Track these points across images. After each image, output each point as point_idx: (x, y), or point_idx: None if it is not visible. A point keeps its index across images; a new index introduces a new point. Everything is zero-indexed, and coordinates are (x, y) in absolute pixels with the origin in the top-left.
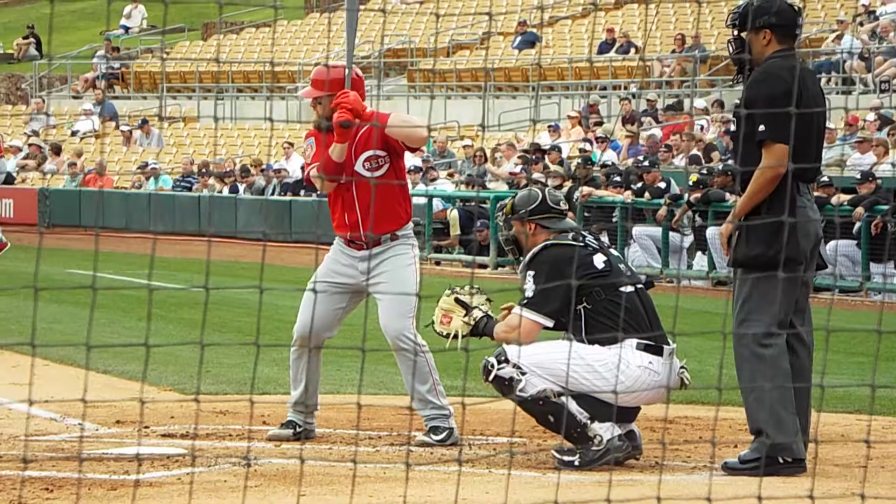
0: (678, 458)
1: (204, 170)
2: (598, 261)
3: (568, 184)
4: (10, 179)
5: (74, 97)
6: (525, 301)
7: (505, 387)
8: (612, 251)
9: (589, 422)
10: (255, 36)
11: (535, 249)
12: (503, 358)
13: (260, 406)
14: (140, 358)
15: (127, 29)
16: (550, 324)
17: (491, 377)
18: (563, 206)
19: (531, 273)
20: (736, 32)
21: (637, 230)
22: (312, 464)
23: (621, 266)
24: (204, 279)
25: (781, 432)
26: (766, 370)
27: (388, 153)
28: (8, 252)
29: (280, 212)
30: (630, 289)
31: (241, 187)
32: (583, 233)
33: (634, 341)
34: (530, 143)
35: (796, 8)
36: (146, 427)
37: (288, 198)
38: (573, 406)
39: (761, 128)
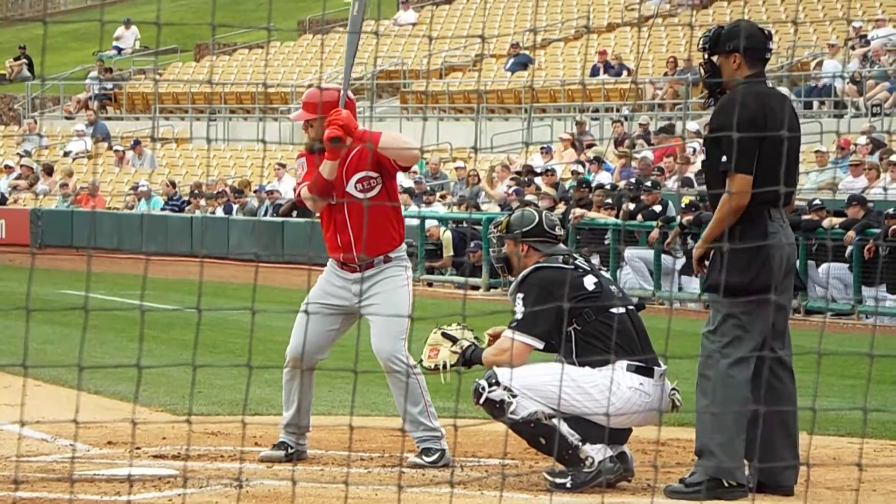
0: (670, 481)
1: (196, 191)
2: (589, 282)
3: (560, 206)
4: (1, 200)
5: (67, 118)
6: (515, 323)
7: (496, 409)
8: (603, 273)
9: (580, 444)
10: (247, 57)
11: (525, 272)
12: (494, 381)
13: (252, 427)
14: (131, 378)
15: (119, 50)
16: (540, 346)
17: (482, 400)
18: (559, 231)
19: (521, 295)
20: (707, 56)
21: (629, 252)
22: (304, 485)
23: (612, 288)
24: (196, 300)
25: (731, 456)
26: (730, 394)
27: (380, 174)
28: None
29: (272, 233)
30: (621, 310)
31: (234, 208)
32: (574, 255)
33: (625, 363)
34: (523, 164)
35: (767, 32)
36: (138, 448)
37: (280, 219)
38: (564, 428)
39: (724, 158)
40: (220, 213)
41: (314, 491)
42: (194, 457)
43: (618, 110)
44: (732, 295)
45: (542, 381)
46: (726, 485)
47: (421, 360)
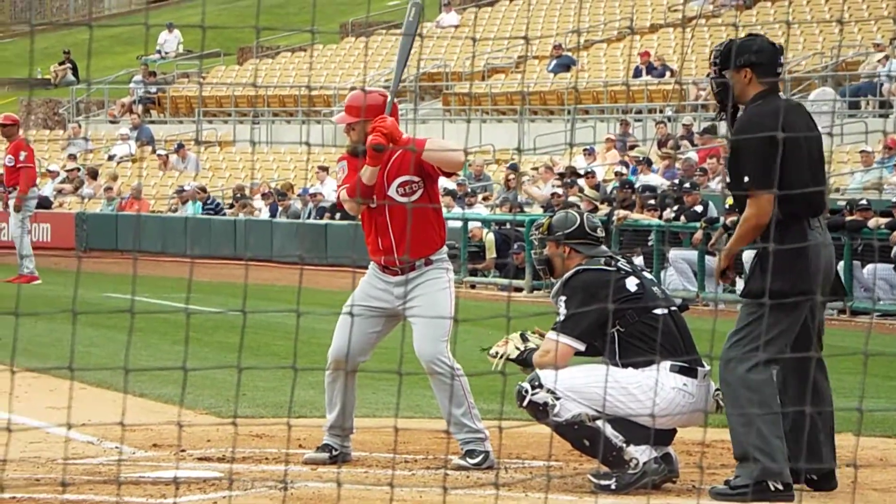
0: (715, 482)
1: (238, 194)
2: (631, 284)
3: (603, 207)
4: (47, 204)
5: (111, 122)
6: (558, 325)
7: (539, 412)
8: (646, 274)
9: (625, 445)
10: (290, 60)
11: (567, 274)
12: (537, 383)
13: (296, 429)
14: (176, 381)
15: (163, 54)
16: (583, 347)
17: (525, 402)
18: (600, 233)
19: (563, 298)
20: (717, 70)
21: (673, 254)
22: (349, 487)
23: (655, 289)
24: (239, 303)
25: (772, 458)
26: (754, 397)
27: (422, 178)
28: (45, 276)
29: (316, 235)
30: (664, 311)
31: (278, 210)
32: (615, 257)
33: (669, 363)
34: (566, 166)
35: (778, 47)
36: (183, 450)
37: (324, 221)
38: (608, 430)
39: (745, 178)
40: (263, 216)
41: (359, 493)
42: (239, 459)
43: (661, 111)
44: (771, 300)
45: (585, 383)
46: (772, 488)
47: (488, 348)
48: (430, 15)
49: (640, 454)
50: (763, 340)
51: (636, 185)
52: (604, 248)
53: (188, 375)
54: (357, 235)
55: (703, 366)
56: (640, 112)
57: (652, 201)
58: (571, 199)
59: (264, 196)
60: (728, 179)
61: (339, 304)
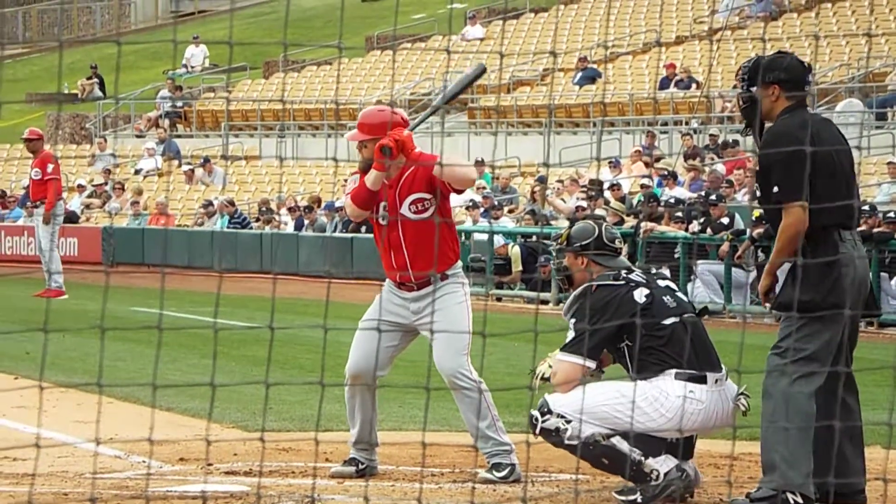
0: (743, 496)
1: (264, 208)
2: (640, 295)
3: (629, 220)
4: (74, 218)
5: (138, 136)
6: (565, 345)
7: (553, 437)
8: (661, 282)
9: (643, 458)
10: (315, 74)
11: (576, 292)
12: (546, 409)
13: (323, 443)
14: (203, 395)
15: (189, 68)
16: (593, 365)
17: (538, 430)
18: (619, 244)
19: (573, 320)
20: (745, 86)
21: (700, 266)
22: (376, 501)
23: (666, 298)
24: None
25: (796, 471)
26: (793, 409)
27: (433, 195)
28: (72, 290)
29: (342, 249)
30: (673, 320)
31: (304, 224)
32: (631, 268)
33: (674, 371)
34: (591, 179)
35: (806, 65)
36: (210, 464)
37: (349, 235)
38: (624, 446)
39: (775, 189)
40: (289, 229)
41: None
42: (266, 473)
43: (687, 123)
44: (803, 312)
45: (593, 403)
46: (791, 501)
47: (534, 369)
48: (455, 28)
49: (661, 465)
50: (804, 354)
51: (662, 198)
52: (622, 259)
53: (215, 389)
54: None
55: (716, 371)
56: (665, 124)
57: (678, 214)
58: (598, 211)
59: (290, 210)
60: (759, 193)
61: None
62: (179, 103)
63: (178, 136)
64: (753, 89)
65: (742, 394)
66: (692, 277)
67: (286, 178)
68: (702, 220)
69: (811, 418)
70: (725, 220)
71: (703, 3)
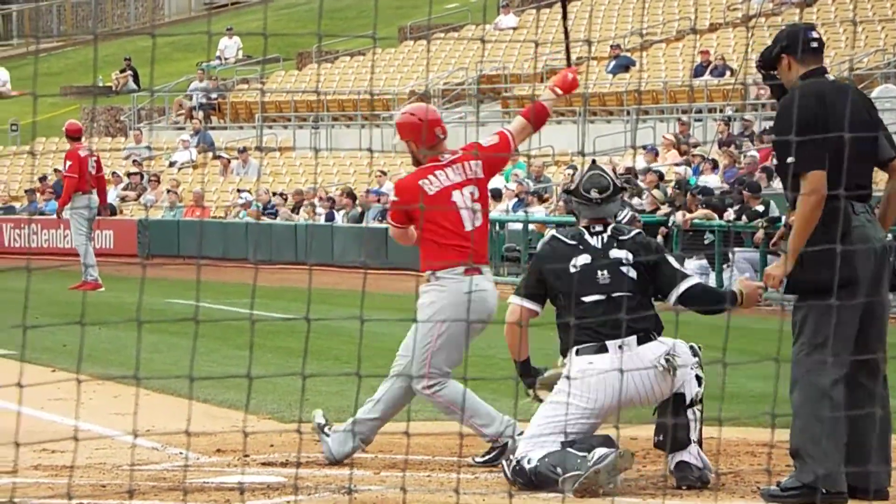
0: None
1: (298, 199)
2: (577, 261)
3: (664, 208)
4: (112, 211)
5: (175, 127)
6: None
7: (520, 474)
8: (617, 252)
9: (588, 453)
10: (349, 65)
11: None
12: (507, 458)
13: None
14: (238, 386)
15: (223, 59)
16: (533, 306)
17: (510, 477)
18: (595, 194)
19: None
20: (764, 73)
21: (736, 254)
22: (413, 491)
23: (601, 273)
24: (300, 307)
25: (824, 462)
26: (812, 398)
27: (482, 187)
28: (108, 282)
29: (377, 240)
30: (596, 298)
31: (339, 215)
32: (596, 226)
33: (576, 349)
34: (626, 167)
35: (804, 24)
36: (246, 456)
37: (384, 225)
38: (546, 461)
39: (790, 160)
40: (323, 220)
41: (423, 497)
42: (303, 464)
43: (721, 111)
44: (814, 293)
45: (533, 426)
46: (823, 491)
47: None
48: (488, 17)
49: (599, 452)
50: (818, 341)
51: (694, 186)
52: (609, 208)
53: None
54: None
55: (617, 337)
56: (700, 112)
57: (713, 201)
58: (634, 200)
59: (324, 201)
60: (777, 164)
61: (401, 309)
62: (214, 95)
63: (213, 128)
64: (773, 72)
65: (666, 354)
66: (728, 265)
67: (321, 168)
68: (736, 207)
69: (837, 408)
70: (760, 208)
71: None
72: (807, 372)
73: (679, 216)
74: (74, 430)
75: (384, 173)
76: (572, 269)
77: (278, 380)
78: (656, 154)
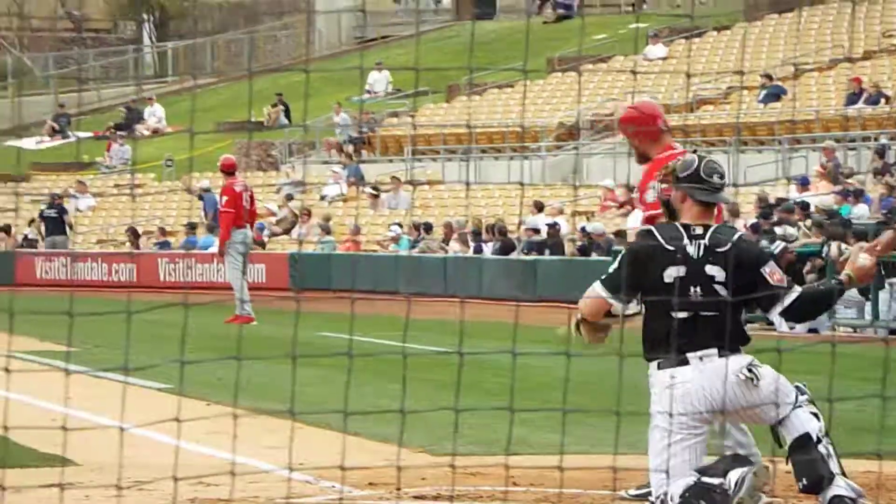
0: None
1: (447, 231)
2: (671, 273)
3: (819, 238)
4: (261, 244)
5: (324, 162)
6: (602, 276)
7: None
8: (711, 269)
9: (724, 477)
10: (497, 97)
11: (636, 234)
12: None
13: (513, 468)
14: (391, 420)
15: (373, 93)
16: (615, 303)
17: None
18: (717, 179)
19: (618, 256)
20: None
21: (890, 280)
22: None
23: (694, 289)
24: (450, 340)
25: None
26: None
27: None
28: (261, 316)
29: (526, 272)
30: (685, 315)
31: (488, 247)
32: (697, 228)
33: (656, 363)
34: (777, 197)
35: None
36: (399, 489)
37: (533, 257)
38: (684, 482)
39: None
40: (471, 252)
41: None
42: (455, 497)
43: (876, 139)
44: None
45: (652, 457)
46: None
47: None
48: (637, 48)
49: (735, 475)
50: None
51: (845, 216)
52: (724, 195)
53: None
54: (568, 271)
55: (698, 349)
56: (853, 141)
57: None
58: (789, 230)
59: (473, 234)
60: None
61: (550, 341)
62: (363, 128)
63: (363, 162)
64: None
65: (750, 365)
66: (883, 294)
67: (469, 200)
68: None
69: None
70: None
71: (892, 17)
72: None
73: (834, 248)
74: (231, 464)
75: (538, 206)
76: (667, 280)
77: (430, 413)
78: (808, 184)
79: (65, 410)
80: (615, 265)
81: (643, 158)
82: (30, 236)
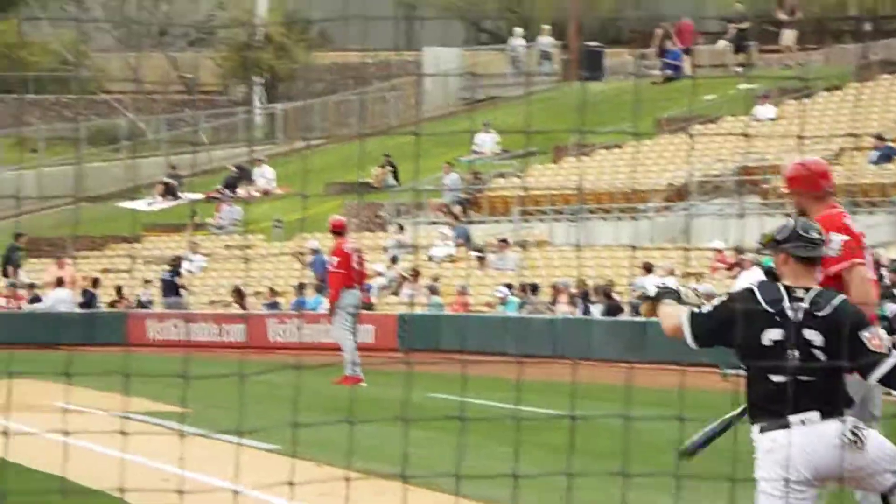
0: None
1: (556, 292)
2: (768, 336)
3: None
4: (369, 307)
5: (431, 222)
6: (694, 310)
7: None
8: (810, 334)
9: None
10: (605, 157)
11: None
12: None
13: None
14: (503, 483)
15: (480, 153)
16: (692, 343)
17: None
18: (815, 234)
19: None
20: None
21: None
22: None
23: (791, 353)
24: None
25: None
26: None
27: None
28: (369, 377)
29: (635, 333)
30: (783, 379)
31: (595, 309)
32: (798, 290)
33: (758, 426)
34: (889, 258)
35: None
36: None
37: (642, 319)
38: None
39: None
40: (580, 314)
41: None
42: None
43: None
44: None
45: None
46: None
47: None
48: (746, 108)
49: None
50: None
51: None
52: (824, 249)
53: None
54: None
55: (800, 412)
56: None
57: None
58: None
59: (581, 295)
60: None
61: (661, 404)
62: (471, 189)
63: (470, 222)
64: None
65: (855, 427)
66: None
67: (577, 261)
68: None
69: None
70: None
71: None
72: None
73: None
74: None
75: (647, 267)
76: (764, 343)
77: (543, 476)
78: None
79: (179, 471)
80: (709, 308)
81: (801, 214)
82: (142, 299)
